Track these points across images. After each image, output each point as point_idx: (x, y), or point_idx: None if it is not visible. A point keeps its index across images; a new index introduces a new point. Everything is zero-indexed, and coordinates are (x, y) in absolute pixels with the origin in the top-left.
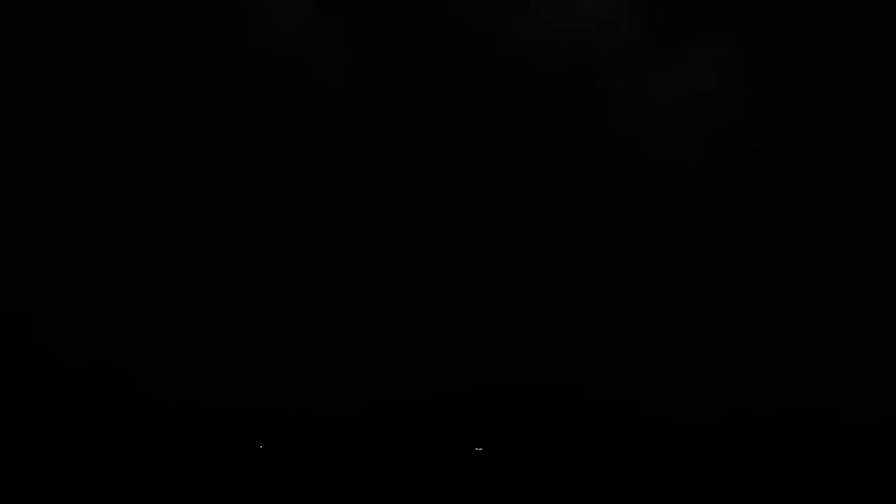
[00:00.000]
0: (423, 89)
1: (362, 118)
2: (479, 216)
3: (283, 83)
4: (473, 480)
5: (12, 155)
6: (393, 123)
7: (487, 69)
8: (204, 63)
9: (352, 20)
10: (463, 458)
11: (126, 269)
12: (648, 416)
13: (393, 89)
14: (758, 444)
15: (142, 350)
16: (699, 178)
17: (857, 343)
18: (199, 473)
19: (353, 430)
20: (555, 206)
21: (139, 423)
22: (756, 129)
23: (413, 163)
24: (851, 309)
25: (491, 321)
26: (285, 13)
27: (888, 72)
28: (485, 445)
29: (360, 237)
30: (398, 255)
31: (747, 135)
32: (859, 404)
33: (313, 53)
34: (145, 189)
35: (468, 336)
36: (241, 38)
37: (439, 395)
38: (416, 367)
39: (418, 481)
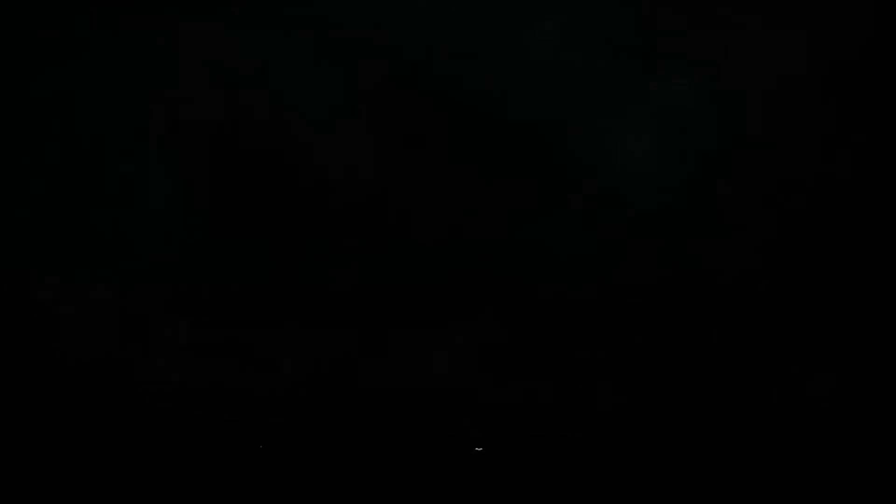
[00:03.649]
0: (411, 117)
1: (361, 152)
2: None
3: (273, 101)
4: (473, 480)
5: (16, 166)
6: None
7: (474, 104)
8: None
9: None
10: (463, 458)
11: (124, 275)
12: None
13: (384, 115)
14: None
15: (138, 351)
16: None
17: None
18: (199, 474)
19: (351, 430)
20: (542, 223)
21: (135, 424)
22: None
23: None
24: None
25: (484, 325)
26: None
27: (853, 86)
28: (484, 446)
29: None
30: (392, 261)
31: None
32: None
33: (305, 79)
34: (142, 197)
35: (461, 339)
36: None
37: (437, 396)
38: (414, 367)
39: (418, 481)
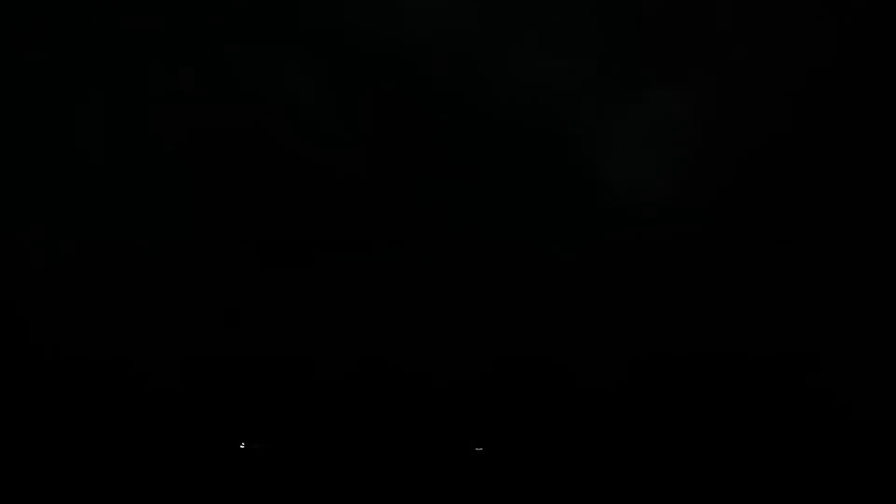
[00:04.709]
0: (401, 126)
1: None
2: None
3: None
4: (473, 480)
5: (14, 166)
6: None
7: (469, 106)
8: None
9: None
10: (463, 458)
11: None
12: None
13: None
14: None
15: (136, 351)
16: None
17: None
18: (199, 473)
19: (349, 430)
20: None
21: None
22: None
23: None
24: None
25: (481, 327)
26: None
27: (845, 95)
28: (484, 444)
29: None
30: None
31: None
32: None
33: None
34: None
35: (459, 336)
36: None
37: (435, 395)
38: (412, 367)
39: (417, 481)
